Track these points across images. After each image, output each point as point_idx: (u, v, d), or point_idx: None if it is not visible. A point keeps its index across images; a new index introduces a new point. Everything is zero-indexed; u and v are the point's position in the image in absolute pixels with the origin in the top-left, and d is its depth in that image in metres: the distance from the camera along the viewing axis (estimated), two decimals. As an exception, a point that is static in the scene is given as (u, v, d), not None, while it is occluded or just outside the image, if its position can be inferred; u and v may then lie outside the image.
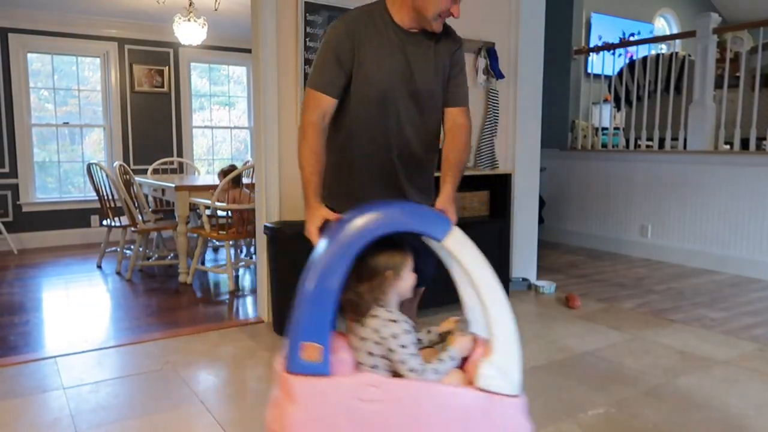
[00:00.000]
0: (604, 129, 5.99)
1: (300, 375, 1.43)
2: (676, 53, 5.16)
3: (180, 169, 6.32)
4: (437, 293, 2.44)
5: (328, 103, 1.85)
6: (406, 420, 1.43)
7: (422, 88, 1.91)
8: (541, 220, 5.55)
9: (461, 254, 1.52)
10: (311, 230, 1.69)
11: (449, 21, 1.93)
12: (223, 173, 4.45)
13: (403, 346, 1.47)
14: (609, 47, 5.85)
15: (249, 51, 3.43)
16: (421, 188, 2.04)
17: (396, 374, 1.49)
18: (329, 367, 1.43)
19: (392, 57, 1.87)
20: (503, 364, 1.46)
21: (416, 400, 1.43)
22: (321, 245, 1.53)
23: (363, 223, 1.50)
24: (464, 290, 1.57)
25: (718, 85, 4.85)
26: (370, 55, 1.85)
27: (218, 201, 4.13)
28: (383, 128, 1.92)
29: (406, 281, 1.58)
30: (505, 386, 1.44)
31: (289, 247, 3.03)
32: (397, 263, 1.56)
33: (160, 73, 6.40)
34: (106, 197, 4.66)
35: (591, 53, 6.06)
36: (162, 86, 6.42)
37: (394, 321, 1.49)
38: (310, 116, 1.83)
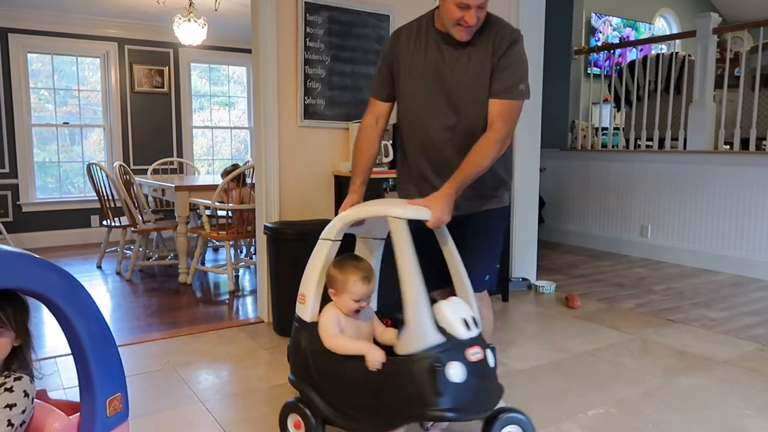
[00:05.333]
0: (604, 129, 5.99)
1: None
2: (676, 53, 5.16)
3: (180, 169, 6.31)
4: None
5: (380, 107, 2.11)
6: None
7: (454, 88, 1.96)
8: (541, 220, 5.54)
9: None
10: (339, 213, 1.90)
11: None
12: (227, 173, 4.44)
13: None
14: (609, 47, 5.85)
15: (249, 51, 3.43)
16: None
17: None
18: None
19: (426, 59, 1.98)
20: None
21: None
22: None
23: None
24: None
25: (718, 85, 4.85)
26: (407, 59, 2.01)
27: (220, 200, 4.14)
28: (416, 126, 2.04)
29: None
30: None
31: (289, 247, 3.03)
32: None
33: (160, 73, 6.40)
34: (106, 197, 4.66)
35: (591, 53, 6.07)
36: (162, 86, 6.42)
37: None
38: (364, 119, 2.13)
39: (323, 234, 1.86)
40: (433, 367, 1.58)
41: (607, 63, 5.93)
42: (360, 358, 1.67)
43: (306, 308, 1.83)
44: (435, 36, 1.98)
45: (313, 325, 1.80)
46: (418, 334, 1.62)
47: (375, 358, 1.65)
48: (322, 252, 1.84)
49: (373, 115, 2.10)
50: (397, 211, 1.69)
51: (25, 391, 1.25)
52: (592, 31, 6.83)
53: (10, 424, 1.22)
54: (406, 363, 1.61)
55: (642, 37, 7.30)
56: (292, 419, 1.89)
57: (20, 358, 1.34)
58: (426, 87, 1.99)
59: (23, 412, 1.24)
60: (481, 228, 2.06)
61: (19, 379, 1.26)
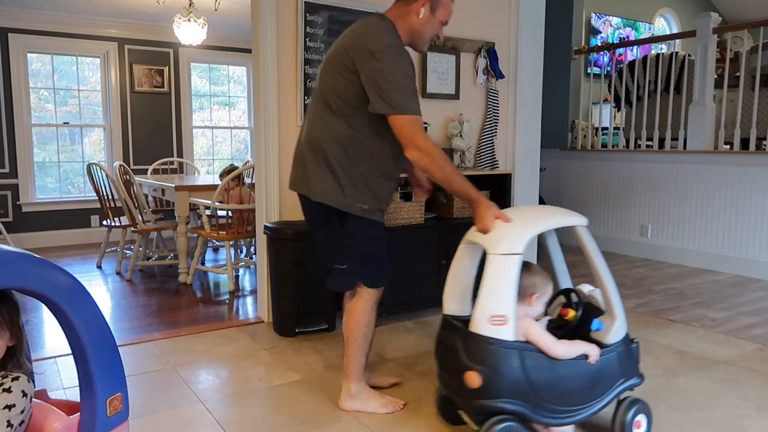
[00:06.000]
0: (604, 129, 5.99)
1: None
2: (676, 53, 5.16)
3: (180, 169, 6.32)
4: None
5: None
6: None
7: None
8: (541, 220, 5.53)
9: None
10: (489, 225, 1.88)
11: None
12: (226, 173, 4.45)
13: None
14: (609, 47, 5.85)
15: (249, 51, 3.44)
16: None
17: None
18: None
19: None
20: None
21: None
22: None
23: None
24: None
25: (718, 85, 4.85)
26: None
27: (220, 200, 4.14)
28: None
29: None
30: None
31: (289, 247, 3.04)
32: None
33: (160, 73, 6.40)
34: (106, 197, 4.66)
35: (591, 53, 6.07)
36: (162, 86, 6.42)
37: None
38: (428, 139, 1.99)
39: (511, 249, 1.79)
40: (637, 346, 2.05)
41: (608, 64, 5.93)
42: (576, 358, 1.85)
43: (509, 328, 1.76)
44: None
45: (522, 343, 1.79)
46: (622, 326, 1.96)
47: (596, 353, 1.87)
48: (516, 267, 1.78)
49: None
50: (581, 221, 1.97)
51: (23, 391, 1.25)
52: (592, 31, 6.83)
53: (9, 424, 1.22)
54: (615, 349, 1.93)
55: (642, 36, 7.30)
56: None
57: (15, 359, 1.33)
58: None
59: (22, 412, 1.24)
60: None
61: (16, 379, 1.26)
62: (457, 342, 1.83)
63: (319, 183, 2.09)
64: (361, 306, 2.19)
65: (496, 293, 1.77)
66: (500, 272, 1.77)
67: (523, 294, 1.85)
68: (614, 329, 1.93)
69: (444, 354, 1.93)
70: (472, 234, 1.95)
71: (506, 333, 1.76)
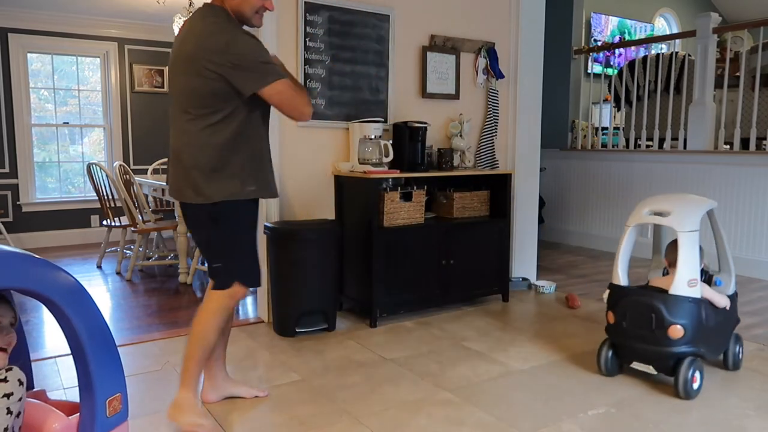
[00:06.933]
0: (604, 129, 5.99)
1: None
2: (676, 53, 5.16)
3: (180, 169, 6.30)
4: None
5: None
6: None
7: None
8: (541, 220, 5.54)
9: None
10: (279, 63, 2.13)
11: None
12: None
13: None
14: (609, 47, 5.85)
15: (249, 51, 3.43)
16: None
17: None
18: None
19: None
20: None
21: None
22: None
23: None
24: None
25: (718, 85, 4.85)
26: None
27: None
28: (266, 126, 2.19)
29: None
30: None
31: (289, 247, 3.04)
32: None
33: (160, 73, 6.40)
34: (106, 197, 4.66)
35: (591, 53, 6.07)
36: (162, 86, 6.42)
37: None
38: (305, 99, 2.09)
39: (694, 227, 2.39)
40: (737, 294, 2.69)
41: (602, 61, 5.93)
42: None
43: (698, 288, 2.34)
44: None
45: (704, 299, 2.36)
46: (734, 282, 2.64)
47: (729, 301, 2.49)
48: (698, 240, 2.40)
49: None
50: (715, 204, 2.61)
51: (19, 380, 1.28)
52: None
53: (9, 411, 1.25)
54: (733, 298, 2.59)
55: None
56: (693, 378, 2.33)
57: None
58: None
59: (20, 399, 1.28)
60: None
61: (10, 369, 1.30)
62: (657, 303, 2.32)
63: (210, 183, 2.00)
64: (214, 306, 2.08)
65: (689, 262, 2.33)
66: (690, 245, 2.35)
67: None
68: (732, 284, 2.62)
69: (637, 315, 2.38)
70: (648, 217, 2.53)
71: (697, 292, 2.33)
